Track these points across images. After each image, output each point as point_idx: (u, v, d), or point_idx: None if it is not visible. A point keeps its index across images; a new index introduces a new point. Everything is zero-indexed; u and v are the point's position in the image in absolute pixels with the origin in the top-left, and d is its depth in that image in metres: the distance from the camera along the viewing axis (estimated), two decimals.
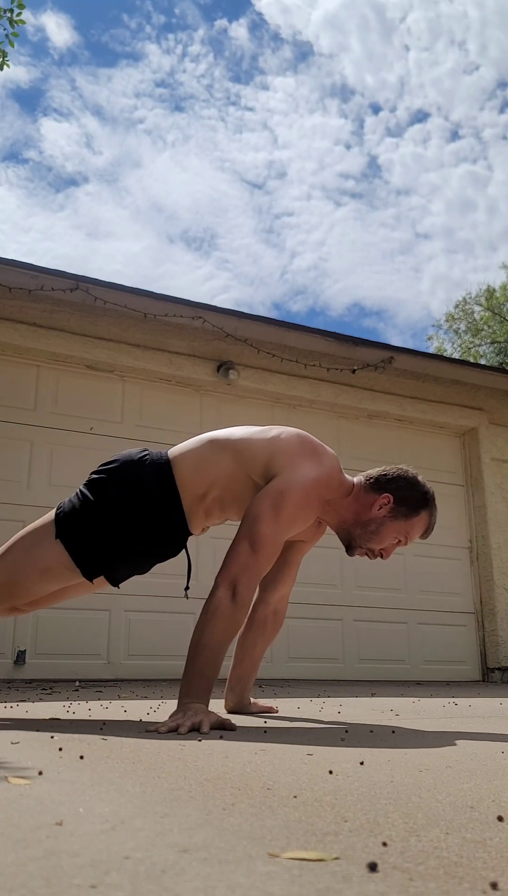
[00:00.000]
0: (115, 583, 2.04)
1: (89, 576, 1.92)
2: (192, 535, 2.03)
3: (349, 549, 2.08)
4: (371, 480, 2.03)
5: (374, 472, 2.06)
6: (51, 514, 1.96)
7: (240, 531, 1.87)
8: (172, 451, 2.02)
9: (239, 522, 1.96)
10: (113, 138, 34.37)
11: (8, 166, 34.41)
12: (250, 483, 1.96)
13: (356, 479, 2.05)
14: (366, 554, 2.07)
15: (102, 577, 2.00)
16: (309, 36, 30.93)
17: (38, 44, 29.86)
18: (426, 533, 2.08)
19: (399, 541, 2.05)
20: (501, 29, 28.87)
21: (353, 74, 31.65)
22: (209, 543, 4.55)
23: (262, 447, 1.96)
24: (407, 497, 2.00)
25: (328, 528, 2.16)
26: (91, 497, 1.92)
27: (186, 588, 2.09)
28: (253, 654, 2.24)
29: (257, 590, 2.23)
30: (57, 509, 1.95)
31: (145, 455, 1.99)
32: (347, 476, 2.05)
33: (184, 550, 2.04)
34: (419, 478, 2.05)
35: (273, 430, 2.02)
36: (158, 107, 34.38)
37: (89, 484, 1.96)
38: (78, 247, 36.65)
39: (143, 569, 2.06)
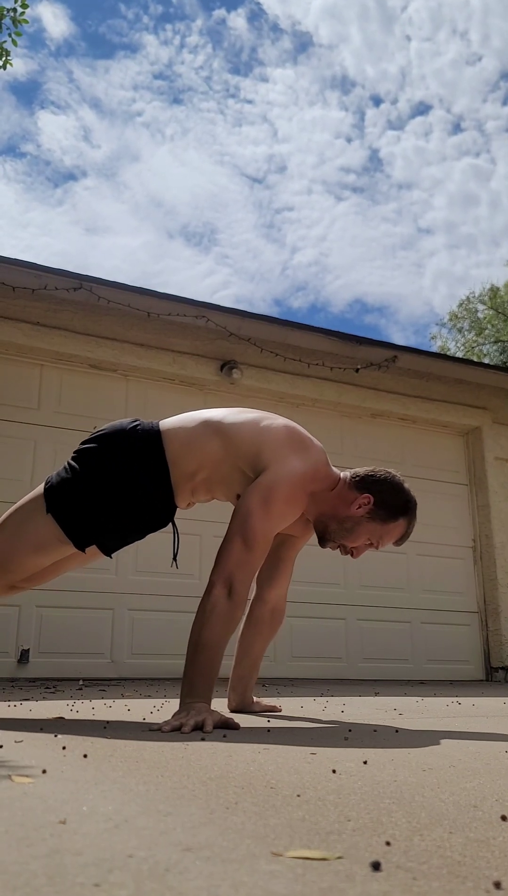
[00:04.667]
0: (107, 552, 2.03)
1: (81, 545, 1.92)
2: (177, 508, 2.03)
3: (322, 541, 2.08)
4: (357, 479, 2.03)
5: (362, 470, 2.07)
6: (39, 489, 1.95)
7: (231, 527, 1.87)
8: (164, 423, 2.02)
9: (225, 502, 2.01)
10: (111, 131, 34.24)
11: (5, 160, 34.35)
12: (236, 468, 1.97)
13: (342, 475, 2.06)
14: (338, 548, 2.07)
15: (95, 549, 1.99)
16: (309, 26, 30.59)
17: (35, 35, 29.72)
18: (399, 540, 2.08)
19: (372, 543, 2.05)
20: (504, 18, 28.56)
21: (353, 66, 31.35)
22: (209, 542, 4.55)
23: (250, 437, 1.97)
24: (388, 502, 2.00)
25: None
26: (78, 467, 1.92)
27: (174, 558, 2.10)
28: (252, 652, 2.24)
29: (254, 587, 2.23)
30: (45, 483, 1.95)
31: (137, 424, 1.99)
32: (333, 469, 2.06)
33: (172, 523, 2.05)
34: (405, 485, 2.05)
35: (264, 420, 2.02)
36: (156, 99, 34.21)
37: (78, 453, 1.96)
38: (77, 242, 36.67)
39: (133, 538, 2.05)
